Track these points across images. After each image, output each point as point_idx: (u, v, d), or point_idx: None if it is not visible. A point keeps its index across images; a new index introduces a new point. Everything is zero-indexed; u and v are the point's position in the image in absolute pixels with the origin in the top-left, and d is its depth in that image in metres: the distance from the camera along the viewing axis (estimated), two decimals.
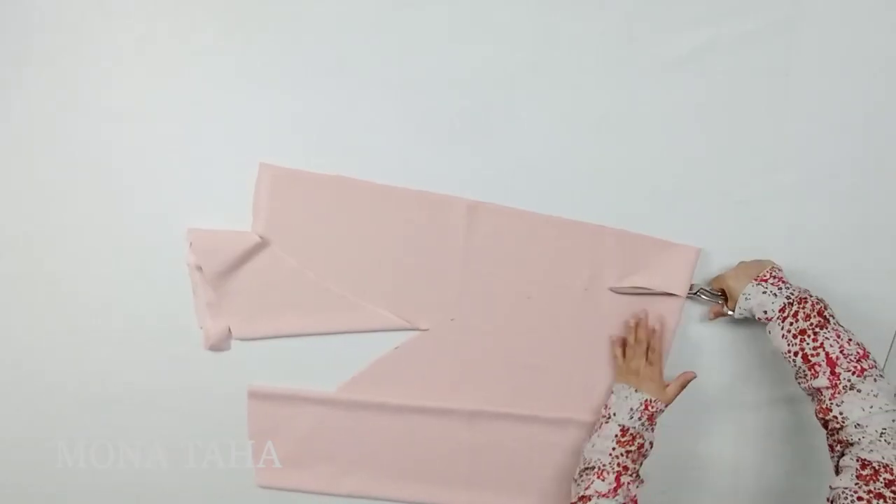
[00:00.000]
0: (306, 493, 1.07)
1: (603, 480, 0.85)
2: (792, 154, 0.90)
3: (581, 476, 0.89)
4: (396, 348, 0.99)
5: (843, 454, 0.76)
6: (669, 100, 0.87)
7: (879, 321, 0.97)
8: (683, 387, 0.93)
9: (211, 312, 0.97)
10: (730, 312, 0.90)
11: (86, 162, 0.91)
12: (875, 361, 0.78)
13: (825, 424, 0.79)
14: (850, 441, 0.75)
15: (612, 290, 0.95)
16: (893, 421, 0.73)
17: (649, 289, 0.94)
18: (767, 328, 0.85)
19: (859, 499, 0.69)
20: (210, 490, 1.08)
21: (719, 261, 0.93)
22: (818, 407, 0.79)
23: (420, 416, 1.01)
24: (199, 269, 0.93)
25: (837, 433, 0.77)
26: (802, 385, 0.82)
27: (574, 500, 0.86)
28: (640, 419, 0.89)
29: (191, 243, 0.93)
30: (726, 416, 1.02)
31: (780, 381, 0.98)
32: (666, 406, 0.91)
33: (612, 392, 0.94)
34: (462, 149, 0.90)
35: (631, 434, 0.88)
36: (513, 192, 0.92)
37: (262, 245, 0.93)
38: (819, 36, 0.84)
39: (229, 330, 0.98)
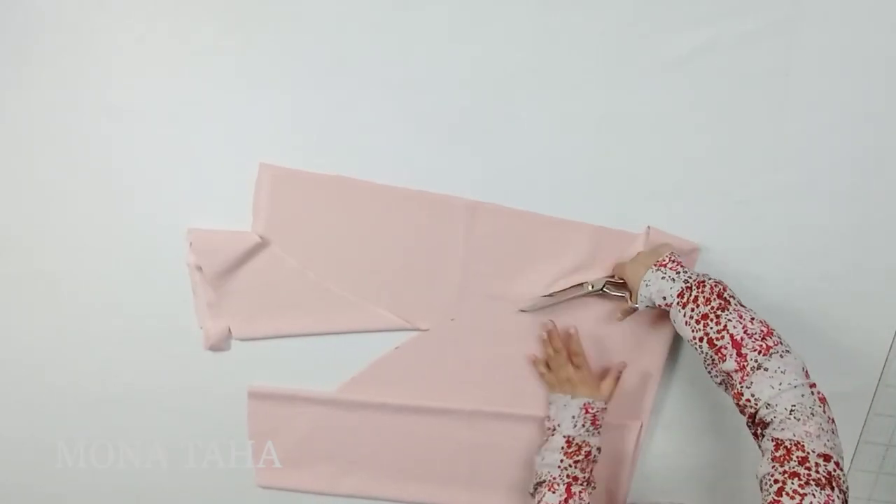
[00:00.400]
0: (306, 493, 1.07)
1: (554, 493, 0.86)
2: (792, 154, 0.89)
3: (536, 490, 0.90)
4: (396, 348, 0.99)
5: (763, 437, 0.72)
6: (669, 100, 0.87)
7: (879, 321, 0.97)
8: (617, 380, 0.93)
9: (211, 312, 0.97)
10: (635, 306, 0.87)
11: (86, 162, 0.90)
12: (780, 338, 0.75)
13: (742, 411, 0.75)
14: (766, 422, 0.71)
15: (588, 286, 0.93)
16: (802, 396, 0.70)
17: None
18: (671, 316, 0.83)
19: (776, 481, 0.65)
20: (210, 490, 1.08)
21: (719, 261, 0.93)
22: (732, 393, 0.76)
23: (420, 416, 1.01)
24: (199, 269, 0.93)
25: (754, 418, 0.73)
26: (713, 373, 0.79)
27: None
28: (583, 425, 0.89)
29: (191, 243, 0.93)
30: (726, 417, 1.02)
31: None
32: (606, 403, 0.91)
33: (550, 403, 0.94)
34: (462, 149, 0.90)
35: (577, 444, 0.88)
36: (513, 192, 0.92)
37: (262, 245, 0.93)
38: (819, 36, 0.84)
39: (229, 330, 0.98)
